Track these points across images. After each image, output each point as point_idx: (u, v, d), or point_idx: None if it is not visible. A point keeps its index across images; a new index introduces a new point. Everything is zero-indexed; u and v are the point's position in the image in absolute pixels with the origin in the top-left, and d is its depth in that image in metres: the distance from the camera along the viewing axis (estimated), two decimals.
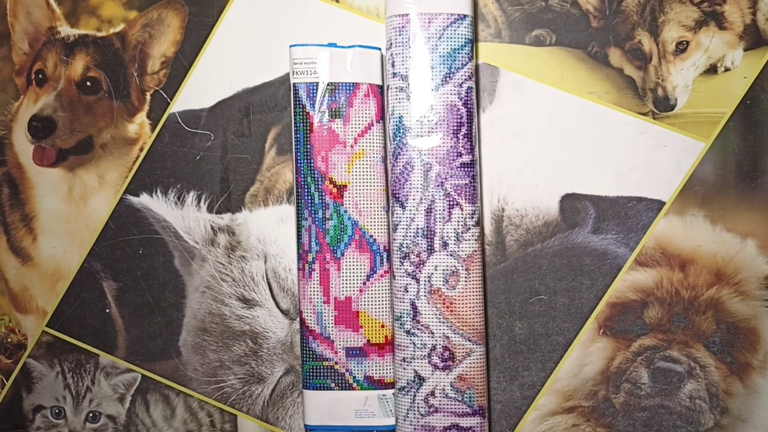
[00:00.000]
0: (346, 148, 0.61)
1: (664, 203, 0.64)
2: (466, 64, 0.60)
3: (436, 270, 0.60)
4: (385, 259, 0.62)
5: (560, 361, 0.65)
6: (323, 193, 0.61)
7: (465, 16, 0.60)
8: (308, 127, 0.61)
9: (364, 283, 0.62)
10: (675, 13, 0.63)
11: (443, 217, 0.60)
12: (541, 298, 0.64)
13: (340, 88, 0.61)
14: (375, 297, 0.62)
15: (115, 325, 0.68)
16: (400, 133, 0.60)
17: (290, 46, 0.62)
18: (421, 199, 0.60)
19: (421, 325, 0.59)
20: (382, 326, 0.62)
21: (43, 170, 0.68)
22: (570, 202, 0.64)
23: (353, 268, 0.62)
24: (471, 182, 0.60)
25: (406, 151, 0.60)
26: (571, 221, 0.64)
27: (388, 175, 0.62)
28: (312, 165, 0.61)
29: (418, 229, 0.60)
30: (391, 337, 0.62)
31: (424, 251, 0.60)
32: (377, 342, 0.62)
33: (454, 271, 0.60)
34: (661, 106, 0.63)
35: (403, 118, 0.60)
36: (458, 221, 0.60)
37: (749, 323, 0.63)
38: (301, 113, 0.61)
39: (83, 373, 0.68)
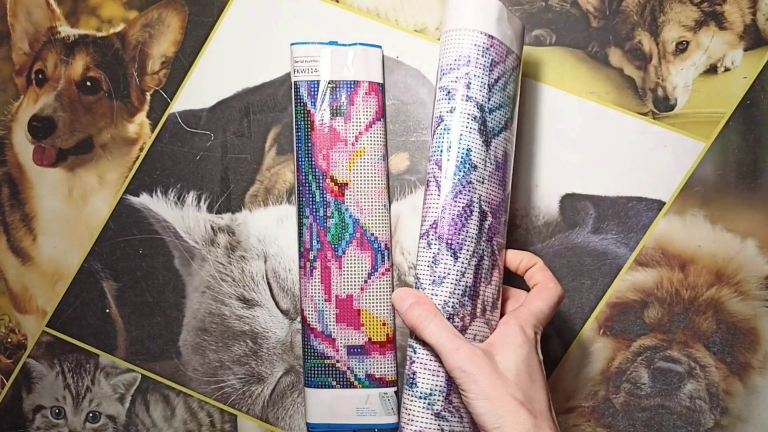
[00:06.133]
0: (347, 146, 0.61)
1: (664, 203, 0.64)
2: (514, 117, 0.54)
3: (474, 339, 0.52)
4: (386, 257, 0.62)
5: (560, 361, 0.65)
6: (324, 191, 0.61)
7: (519, 60, 0.55)
8: (309, 125, 0.61)
9: (366, 281, 0.62)
10: (675, 13, 0.63)
11: (486, 278, 0.52)
12: None
13: (341, 86, 0.61)
14: (376, 295, 0.62)
15: (115, 325, 0.68)
16: (464, 168, 0.51)
17: (291, 44, 0.62)
18: (474, 252, 0.51)
19: (453, 407, 0.51)
20: (384, 324, 0.62)
21: (43, 170, 0.68)
22: (570, 202, 0.64)
23: (354, 266, 0.62)
24: (504, 243, 0.54)
25: (468, 192, 0.51)
26: (571, 221, 0.64)
27: (431, 210, 0.52)
28: (313, 163, 0.61)
29: (466, 287, 0.51)
30: (393, 335, 0.62)
31: (468, 315, 0.51)
32: (378, 340, 0.62)
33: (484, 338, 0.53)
34: (661, 106, 0.63)
35: (471, 152, 0.51)
36: (496, 285, 0.53)
37: (749, 323, 0.63)
38: (302, 111, 0.62)
39: (83, 373, 0.68)
